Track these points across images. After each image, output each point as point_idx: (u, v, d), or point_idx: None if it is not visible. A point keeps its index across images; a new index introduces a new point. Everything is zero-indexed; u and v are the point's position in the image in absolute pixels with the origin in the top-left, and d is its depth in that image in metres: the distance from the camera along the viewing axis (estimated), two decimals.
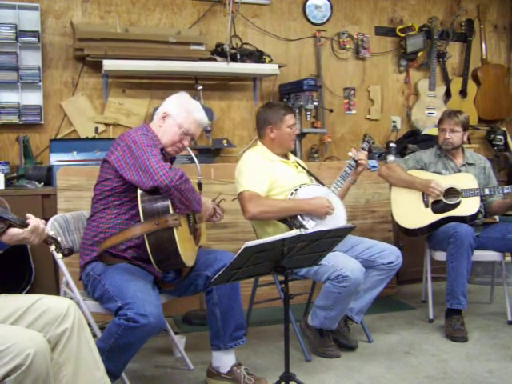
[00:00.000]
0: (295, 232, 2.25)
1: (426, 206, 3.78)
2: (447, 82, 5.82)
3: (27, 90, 4.41)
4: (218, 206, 3.03)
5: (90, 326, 2.33)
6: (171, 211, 2.50)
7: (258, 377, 2.85)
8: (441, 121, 3.91)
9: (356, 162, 3.40)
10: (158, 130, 2.77)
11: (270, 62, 4.97)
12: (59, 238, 2.16)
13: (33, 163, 4.22)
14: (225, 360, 2.85)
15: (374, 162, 4.45)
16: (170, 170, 2.48)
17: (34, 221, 1.98)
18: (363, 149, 3.49)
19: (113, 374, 2.39)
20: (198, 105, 2.87)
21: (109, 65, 4.42)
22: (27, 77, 4.38)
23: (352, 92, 5.56)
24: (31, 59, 4.42)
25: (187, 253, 2.59)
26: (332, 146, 5.45)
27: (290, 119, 3.37)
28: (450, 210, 3.71)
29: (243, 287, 2.93)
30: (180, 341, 3.21)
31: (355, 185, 3.54)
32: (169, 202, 2.51)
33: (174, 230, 2.47)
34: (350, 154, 3.43)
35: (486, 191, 3.71)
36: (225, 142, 4.73)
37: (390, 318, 3.97)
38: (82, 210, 3.05)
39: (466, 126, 3.87)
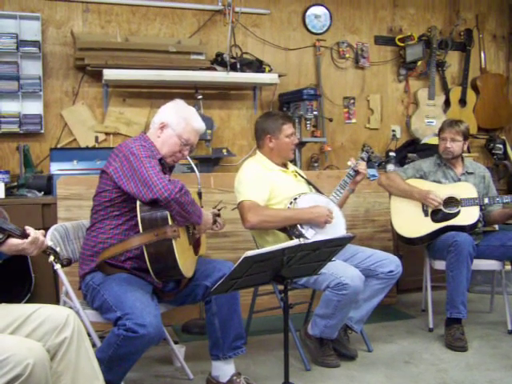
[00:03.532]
0: (295, 242, 2.25)
1: (426, 215, 3.79)
2: (446, 91, 5.83)
3: (28, 100, 4.42)
4: (218, 214, 3.03)
5: (89, 335, 2.33)
6: (170, 222, 2.49)
7: None
8: (441, 130, 3.92)
9: (355, 171, 3.41)
10: (156, 140, 2.75)
11: (269, 71, 4.98)
12: (58, 249, 2.17)
13: (33, 172, 4.21)
14: (225, 369, 2.85)
15: (373, 171, 4.46)
16: (169, 182, 2.47)
17: (33, 232, 1.99)
18: (362, 158, 3.50)
19: (112, 383, 2.39)
20: (194, 112, 2.86)
21: (109, 74, 4.43)
22: (28, 86, 4.39)
23: (351, 101, 5.57)
24: (32, 69, 4.44)
25: (186, 264, 2.59)
26: (332, 155, 5.45)
27: (288, 128, 3.38)
28: (450, 219, 3.72)
29: (243, 296, 2.93)
30: (179, 350, 3.21)
31: (355, 194, 3.55)
32: (168, 213, 2.50)
33: (173, 242, 2.47)
34: (349, 163, 3.44)
35: (486, 201, 3.72)
36: (225, 151, 4.74)
37: (390, 327, 3.96)
38: (82, 219, 3.06)
39: (466, 136, 3.88)
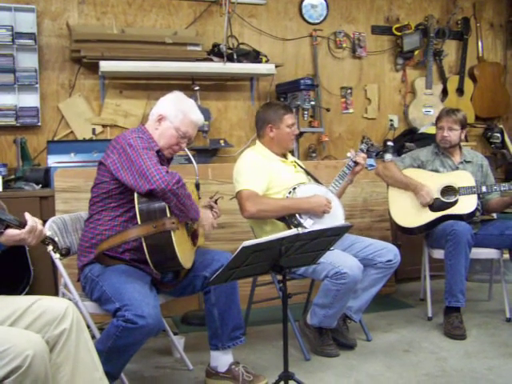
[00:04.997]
0: (293, 231, 2.25)
1: None
2: (444, 80, 5.83)
3: (24, 92, 4.41)
4: (215, 203, 3.02)
5: (88, 327, 2.33)
6: (168, 214, 2.49)
7: (257, 373, 2.86)
8: (439, 119, 3.92)
9: (354, 162, 3.41)
10: (154, 132, 2.75)
11: (266, 61, 4.97)
12: (56, 239, 2.16)
13: (30, 165, 4.21)
14: (223, 359, 2.86)
15: (371, 161, 4.46)
16: (166, 173, 2.46)
17: (31, 221, 1.98)
18: (361, 150, 3.49)
19: (112, 374, 2.39)
20: (193, 104, 2.85)
21: (105, 66, 4.42)
22: (24, 79, 4.37)
23: (349, 91, 5.56)
24: (28, 61, 4.42)
25: (185, 255, 2.59)
26: (329, 146, 5.44)
27: (289, 119, 3.38)
28: (448, 208, 3.72)
29: (242, 287, 2.93)
30: (179, 341, 3.21)
31: (353, 184, 3.55)
32: (166, 204, 2.49)
33: (172, 233, 2.46)
34: (349, 154, 3.44)
35: (483, 189, 3.72)
36: (222, 142, 4.73)
37: (389, 317, 3.97)
38: (80, 211, 3.05)
39: (463, 124, 3.88)
